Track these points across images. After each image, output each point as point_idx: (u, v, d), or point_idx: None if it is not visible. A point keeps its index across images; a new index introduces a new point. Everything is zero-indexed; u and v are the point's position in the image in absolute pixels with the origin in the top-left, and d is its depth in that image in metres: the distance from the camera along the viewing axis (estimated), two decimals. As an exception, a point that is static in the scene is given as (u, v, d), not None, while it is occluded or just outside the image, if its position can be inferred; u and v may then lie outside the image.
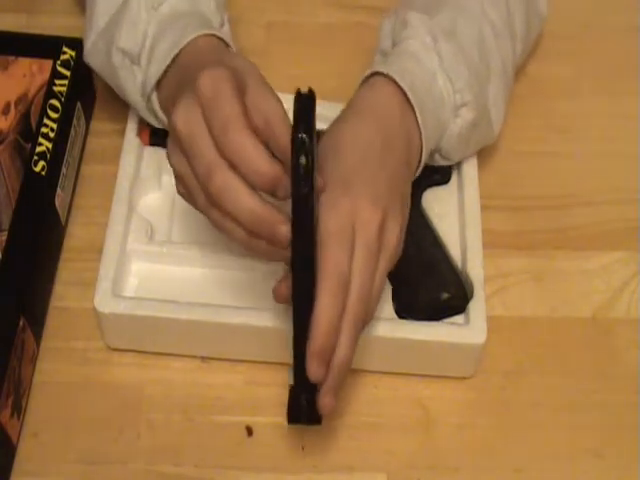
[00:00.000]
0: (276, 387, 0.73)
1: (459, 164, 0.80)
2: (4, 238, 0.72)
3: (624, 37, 0.95)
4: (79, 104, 0.83)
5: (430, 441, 0.72)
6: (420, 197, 0.78)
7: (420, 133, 0.72)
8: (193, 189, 0.64)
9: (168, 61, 0.71)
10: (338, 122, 0.71)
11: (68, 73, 0.82)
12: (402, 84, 0.71)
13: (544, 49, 0.92)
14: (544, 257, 0.81)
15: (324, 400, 0.63)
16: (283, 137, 0.61)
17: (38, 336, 0.75)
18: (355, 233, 0.64)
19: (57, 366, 0.74)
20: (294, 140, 0.59)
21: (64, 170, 0.79)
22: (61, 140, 0.79)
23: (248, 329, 0.71)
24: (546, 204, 0.84)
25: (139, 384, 0.74)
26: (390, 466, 0.71)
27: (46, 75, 0.81)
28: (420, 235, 0.74)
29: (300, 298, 0.62)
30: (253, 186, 0.61)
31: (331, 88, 0.81)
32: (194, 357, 0.75)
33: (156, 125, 0.78)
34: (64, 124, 0.80)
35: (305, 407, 0.64)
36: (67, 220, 0.81)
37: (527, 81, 0.90)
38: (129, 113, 0.81)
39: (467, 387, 0.75)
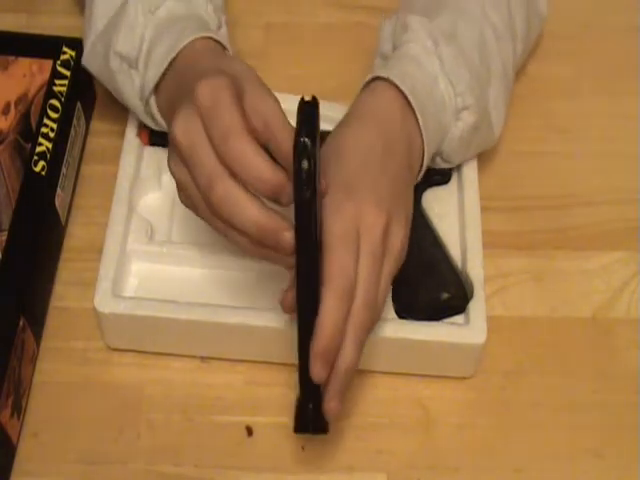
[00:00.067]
0: (276, 387, 0.73)
1: (459, 165, 0.80)
2: (4, 238, 0.72)
3: (624, 37, 0.95)
4: (79, 104, 0.83)
5: (430, 441, 0.72)
6: (420, 197, 0.78)
7: (422, 137, 0.72)
8: (195, 198, 0.64)
9: (165, 65, 0.71)
10: (340, 127, 0.71)
11: (68, 73, 0.82)
12: (403, 88, 0.71)
13: (544, 49, 0.92)
14: (544, 257, 0.81)
15: (330, 405, 0.63)
16: (283, 139, 0.61)
17: (38, 336, 0.75)
18: (360, 237, 0.64)
19: (57, 366, 0.74)
20: (296, 144, 0.59)
21: (64, 170, 0.79)
22: (61, 140, 0.79)
23: (248, 329, 0.71)
24: (546, 204, 0.84)
25: (139, 384, 0.74)
26: (390, 466, 0.71)
27: (46, 75, 0.81)
28: (420, 235, 0.74)
29: (305, 305, 0.62)
30: (256, 193, 0.61)
31: (331, 88, 0.81)
32: (194, 357, 0.75)
33: (155, 128, 0.78)
34: (64, 124, 0.80)
35: (311, 415, 0.63)
36: (67, 220, 0.81)
37: (527, 81, 0.90)
38: (129, 113, 0.81)
39: (467, 387, 0.75)
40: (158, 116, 0.75)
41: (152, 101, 0.74)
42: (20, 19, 0.92)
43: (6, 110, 0.79)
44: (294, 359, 0.64)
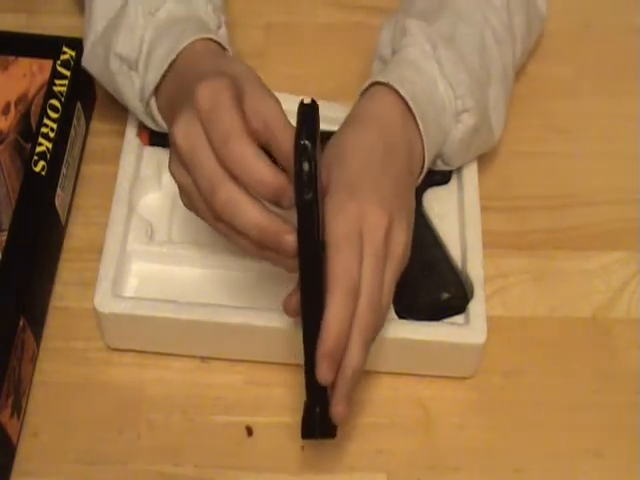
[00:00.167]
0: (276, 387, 0.73)
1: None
2: (4, 238, 0.72)
3: (624, 37, 0.95)
4: (79, 104, 0.83)
5: (430, 441, 0.72)
6: (420, 197, 0.78)
7: (422, 141, 0.72)
8: (196, 201, 0.64)
9: (165, 66, 0.71)
10: (341, 130, 0.71)
11: (68, 73, 0.82)
12: (403, 94, 0.71)
13: (544, 49, 0.92)
14: (544, 257, 0.81)
15: (337, 408, 0.63)
16: (284, 140, 0.61)
17: (38, 336, 0.75)
18: (363, 238, 0.64)
19: (57, 366, 0.74)
20: (297, 146, 0.59)
21: (64, 170, 0.79)
22: (61, 140, 0.79)
23: (248, 329, 0.71)
24: (546, 204, 0.84)
25: (139, 384, 0.74)
26: (390, 466, 0.71)
27: (46, 75, 0.81)
28: (420, 235, 0.74)
29: (309, 307, 0.62)
30: (257, 196, 0.61)
31: (331, 88, 0.81)
32: (194, 357, 0.75)
33: (155, 129, 0.78)
34: (64, 124, 0.80)
35: (319, 420, 0.63)
36: (67, 220, 0.81)
37: (527, 81, 0.90)
38: (129, 113, 0.81)
39: (467, 387, 0.75)
40: (158, 117, 0.75)
41: (152, 102, 0.74)
42: (20, 19, 0.92)
43: (6, 110, 0.79)
44: (296, 360, 0.64)
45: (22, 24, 0.92)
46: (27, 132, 0.78)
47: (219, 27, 0.77)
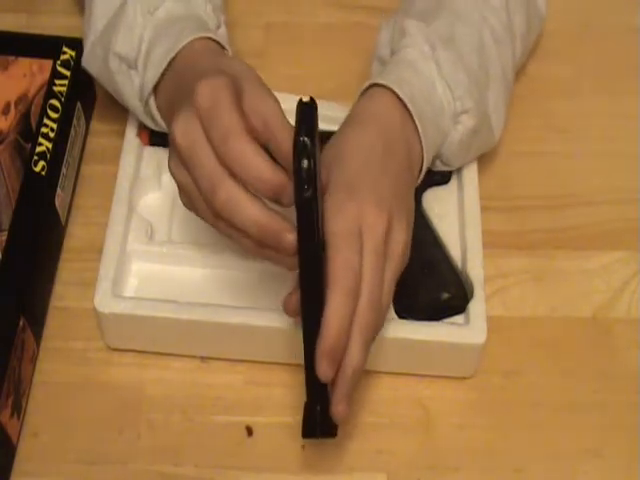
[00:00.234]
0: (276, 387, 0.73)
1: (459, 165, 0.81)
2: (4, 238, 0.72)
3: (623, 37, 0.95)
4: (79, 104, 0.83)
5: (430, 441, 0.72)
6: (420, 197, 0.78)
7: (420, 142, 0.72)
8: (197, 201, 0.64)
9: (164, 65, 0.71)
10: (341, 130, 0.71)
11: (68, 73, 0.82)
12: (401, 95, 0.71)
13: (544, 49, 0.92)
14: (544, 257, 0.81)
15: (337, 408, 0.63)
16: (283, 139, 0.61)
17: (38, 336, 0.75)
18: (362, 237, 0.64)
19: (57, 366, 0.74)
20: (296, 143, 0.59)
21: (64, 170, 0.79)
22: (61, 140, 0.79)
23: (248, 329, 0.71)
24: (546, 204, 0.84)
25: (139, 384, 0.74)
26: (390, 466, 0.71)
27: (46, 75, 0.81)
28: (420, 235, 0.74)
29: (309, 305, 0.62)
30: (257, 194, 0.61)
31: (330, 88, 0.81)
32: (194, 357, 0.75)
33: (154, 128, 0.78)
34: (64, 124, 0.80)
35: (319, 419, 0.63)
36: (67, 220, 0.81)
37: (526, 81, 0.90)
38: (129, 113, 0.81)
39: (467, 387, 0.75)
40: (158, 117, 0.75)
41: (151, 102, 0.74)
42: (20, 19, 0.92)
43: (6, 110, 0.79)
44: (296, 359, 0.64)
45: (22, 24, 0.92)
46: (27, 132, 0.78)
47: (218, 27, 0.77)
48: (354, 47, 0.90)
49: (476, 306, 0.73)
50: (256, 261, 0.75)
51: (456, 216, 0.79)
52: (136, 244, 0.76)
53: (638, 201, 0.84)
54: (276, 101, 0.63)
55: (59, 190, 0.78)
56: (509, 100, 0.81)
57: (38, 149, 0.77)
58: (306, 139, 0.59)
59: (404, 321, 0.73)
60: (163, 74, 0.72)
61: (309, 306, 0.62)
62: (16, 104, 0.79)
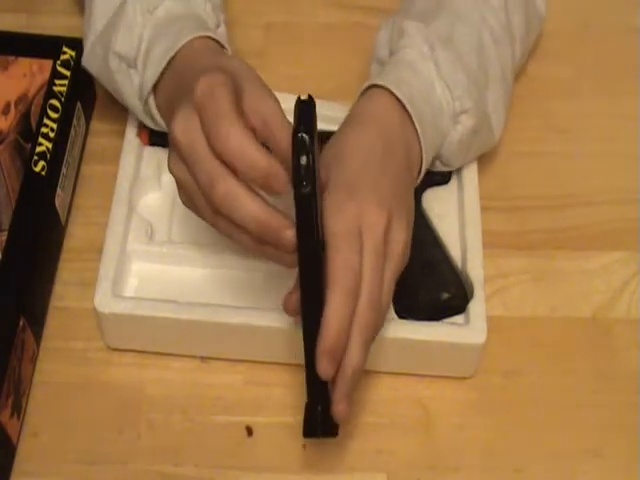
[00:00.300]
0: (276, 387, 0.73)
1: (459, 166, 0.81)
2: (4, 238, 0.72)
3: (623, 37, 0.95)
4: (79, 104, 0.83)
5: (430, 441, 0.72)
6: (420, 197, 0.78)
7: (420, 143, 0.72)
8: (196, 198, 0.64)
9: (164, 64, 0.71)
10: (339, 132, 0.71)
11: (68, 73, 0.82)
12: (400, 96, 0.71)
13: (543, 49, 0.92)
14: (544, 257, 0.81)
15: (338, 407, 0.63)
16: (282, 137, 0.61)
17: (38, 336, 0.75)
18: (362, 237, 0.64)
19: (57, 366, 0.74)
20: (294, 140, 0.59)
21: (64, 170, 0.79)
22: (61, 140, 0.79)
23: (248, 329, 0.71)
24: (546, 204, 0.84)
25: (139, 384, 0.74)
26: (390, 466, 0.71)
27: (46, 75, 0.81)
28: (420, 235, 0.74)
29: (309, 304, 0.62)
30: (250, 182, 0.61)
31: (330, 88, 0.81)
32: (194, 357, 0.75)
33: (154, 128, 0.78)
34: (64, 124, 0.80)
35: (320, 419, 0.63)
36: (67, 220, 0.81)
37: (526, 81, 0.90)
38: (129, 113, 0.81)
39: (467, 387, 0.75)
40: (157, 116, 0.75)
41: (151, 101, 0.74)
42: (20, 19, 0.92)
43: (6, 110, 0.79)
44: (296, 359, 0.64)
45: (22, 24, 0.92)
46: (27, 132, 0.78)
47: (218, 26, 0.77)
48: (354, 47, 0.90)
49: (476, 306, 0.73)
50: (256, 261, 0.75)
51: (456, 216, 0.79)
52: (136, 244, 0.76)
53: (638, 201, 0.84)
54: (276, 100, 0.63)
55: (59, 190, 0.78)
56: (509, 100, 0.81)
57: (38, 149, 0.77)
58: (305, 135, 0.59)
59: (404, 321, 0.73)
60: (162, 73, 0.72)
61: (309, 305, 0.62)
62: (16, 104, 0.79)
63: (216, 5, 0.78)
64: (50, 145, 0.78)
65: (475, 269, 0.75)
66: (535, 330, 0.77)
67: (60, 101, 0.80)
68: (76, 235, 0.81)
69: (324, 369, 0.61)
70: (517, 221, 0.83)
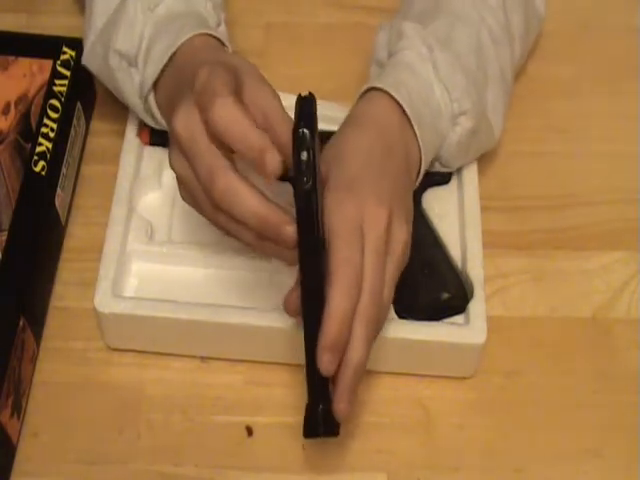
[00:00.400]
0: (276, 387, 0.73)
1: (459, 166, 0.81)
2: (4, 238, 0.72)
3: (623, 37, 0.95)
4: (79, 104, 0.83)
5: (430, 441, 0.72)
6: (420, 197, 0.78)
7: (418, 146, 0.72)
8: (196, 193, 0.64)
9: (165, 60, 0.71)
10: (339, 132, 0.71)
11: (68, 73, 0.82)
12: (399, 98, 0.71)
13: (543, 49, 0.92)
14: (544, 257, 0.81)
15: (340, 405, 0.62)
16: (282, 132, 0.61)
17: (38, 336, 0.75)
18: (363, 234, 0.64)
19: (57, 366, 0.74)
20: (295, 136, 0.59)
21: (64, 170, 0.79)
22: (61, 140, 0.79)
23: (248, 329, 0.71)
24: (546, 204, 0.84)
25: (139, 384, 0.74)
26: (390, 466, 0.71)
27: (46, 75, 0.81)
28: (420, 235, 0.74)
29: (310, 301, 0.62)
30: (246, 160, 0.61)
31: (330, 88, 0.81)
32: (194, 357, 0.75)
33: (154, 126, 0.78)
34: (64, 124, 0.80)
35: (322, 418, 0.63)
36: (67, 220, 0.81)
37: (526, 81, 0.90)
38: (129, 113, 0.81)
39: (467, 387, 0.75)
40: (157, 114, 0.75)
41: (151, 98, 0.74)
42: (20, 19, 0.92)
43: (6, 110, 0.79)
44: (296, 360, 0.64)
45: (22, 24, 0.92)
46: (27, 132, 0.78)
47: (219, 24, 0.77)
48: (354, 47, 0.90)
49: (476, 306, 0.73)
50: (256, 261, 0.75)
51: (456, 216, 0.79)
52: (136, 244, 0.76)
53: (638, 201, 0.84)
54: (276, 95, 0.63)
55: (59, 190, 0.78)
56: (508, 100, 0.81)
57: (38, 149, 0.77)
58: (306, 131, 0.59)
59: (404, 321, 0.73)
60: (163, 70, 0.72)
61: (310, 302, 0.62)
62: (16, 104, 0.79)
63: (217, 4, 0.78)
64: (50, 145, 0.78)
65: (475, 269, 0.75)
66: (535, 330, 0.77)
67: (60, 101, 0.80)
68: (76, 235, 0.81)
69: (325, 365, 0.61)
70: (517, 221, 0.83)
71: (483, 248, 0.76)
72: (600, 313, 0.78)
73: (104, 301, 0.72)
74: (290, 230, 0.61)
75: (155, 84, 0.73)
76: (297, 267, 0.63)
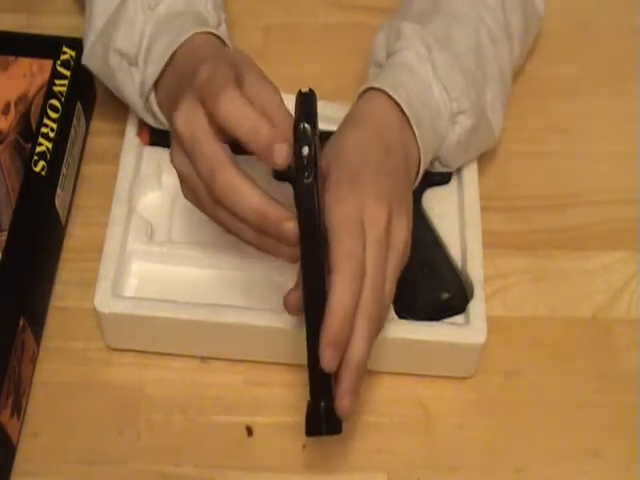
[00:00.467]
0: (276, 387, 0.73)
1: (459, 165, 0.81)
2: (4, 238, 0.72)
3: (622, 36, 0.95)
4: (79, 104, 0.83)
5: (430, 441, 0.72)
6: (420, 197, 0.78)
7: (417, 146, 0.72)
8: (198, 190, 0.64)
9: (166, 59, 0.71)
10: (339, 131, 0.71)
11: (68, 73, 0.82)
12: (398, 98, 0.71)
13: (543, 49, 0.92)
14: (544, 257, 0.81)
15: (342, 402, 0.62)
16: (283, 127, 0.61)
17: (38, 336, 0.75)
18: (364, 229, 0.64)
19: (57, 366, 0.74)
20: (296, 131, 0.59)
21: (64, 170, 0.79)
22: (61, 140, 0.79)
23: (248, 329, 0.71)
24: (546, 204, 0.84)
25: (139, 384, 0.74)
26: (390, 466, 0.71)
27: (46, 75, 0.81)
28: (420, 235, 0.74)
29: (311, 297, 0.62)
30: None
31: (330, 89, 0.81)
32: (194, 357, 0.75)
33: (155, 125, 0.78)
34: (64, 124, 0.80)
35: (324, 416, 0.62)
36: (67, 220, 0.81)
37: (526, 81, 0.90)
38: (129, 113, 0.81)
39: (467, 387, 0.75)
40: (158, 113, 0.75)
41: (152, 97, 0.74)
42: (20, 19, 0.92)
43: (6, 110, 0.79)
44: (296, 360, 0.64)
45: (22, 24, 0.92)
46: (27, 132, 0.78)
47: (219, 24, 0.77)
48: (354, 47, 0.90)
49: (476, 306, 0.73)
50: (256, 261, 0.75)
51: (456, 216, 0.79)
52: (136, 244, 0.76)
53: (638, 201, 0.84)
54: (276, 90, 0.63)
55: (59, 190, 0.78)
56: (508, 100, 0.81)
57: (38, 149, 0.77)
58: (306, 125, 0.59)
59: (404, 321, 0.73)
60: (164, 69, 0.72)
61: (311, 298, 0.62)
62: (16, 104, 0.79)
63: (217, 4, 0.78)
64: (50, 145, 0.78)
65: (475, 269, 0.75)
66: (535, 330, 0.77)
67: (60, 101, 0.80)
68: (76, 235, 0.81)
69: (328, 360, 0.61)
70: (517, 221, 0.83)
71: (483, 248, 0.76)
72: (600, 313, 0.78)
73: (104, 301, 0.72)
74: (291, 226, 0.61)
75: (156, 83, 0.73)
76: (297, 267, 0.64)
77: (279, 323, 0.70)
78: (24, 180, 0.75)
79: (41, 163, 0.76)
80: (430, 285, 0.75)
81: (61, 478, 0.70)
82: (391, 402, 0.74)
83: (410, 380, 0.74)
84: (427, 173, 0.75)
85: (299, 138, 0.59)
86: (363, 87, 0.74)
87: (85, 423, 0.72)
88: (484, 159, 0.83)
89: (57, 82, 0.81)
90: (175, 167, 0.65)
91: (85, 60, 0.78)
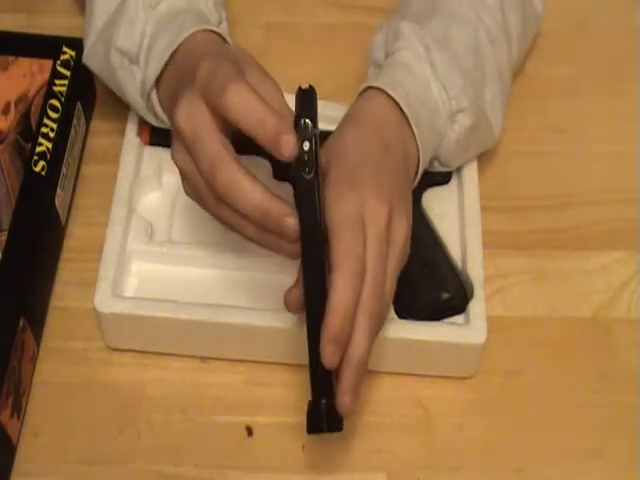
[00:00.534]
0: (276, 387, 0.73)
1: (458, 165, 0.81)
2: (4, 238, 0.72)
3: (622, 36, 0.95)
4: (79, 104, 0.83)
5: (430, 441, 0.72)
6: (420, 197, 0.78)
7: (417, 145, 0.72)
8: (199, 187, 0.64)
9: (167, 57, 0.71)
10: (338, 130, 0.71)
11: (68, 73, 0.82)
12: (397, 97, 0.71)
13: (542, 48, 0.92)
14: (544, 257, 0.81)
15: (343, 399, 0.62)
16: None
17: (38, 336, 0.75)
18: (365, 226, 0.64)
19: (57, 366, 0.74)
20: (297, 126, 0.59)
21: (64, 170, 0.79)
22: (61, 140, 0.79)
23: (248, 329, 0.71)
24: (546, 204, 0.84)
25: (139, 384, 0.74)
26: (390, 466, 0.71)
27: (46, 75, 0.81)
28: (420, 235, 0.74)
29: (312, 295, 0.62)
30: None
31: (330, 89, 0.81)
32: (194, 357, 0.75)
33: (156, 124, 0.78)
34: (64, 124, 0.80)
35: (325, 413, 0.62)
36: (67, 220, 0.81)
37: (525, 81, 0.90)
38: (129, 112, 0.81)
39: (467, 387, 0.75)
40: (160, 111, 0.75)
41: (153, 96, 0.74)
42: (20, 19, 0.92)
43: (6, 110, 0.79)
44: (297, 360, 0.64)
45: (22, 24, 0.92)
46: (27, 132, 0.78)
47: (220, 22, 0.77)
48: (354, 47, 0.90)
49: (476, 306, 0.73)
50: (256, 261, 0.75)
51: (456, 216, 0.79)
52: (136, 244, 0.76)
53: (638, 201, 0.84)
54: (277, 87, 0.63)
55: (59, 190, 0.78)
56: (507, 100, 0.81)
57: (38, 149, 0.77)
58: (307, 121, 0.59)
59: (404, 321, 0.73)
60: (165, 67, 0.71)
61: (312, 296, 0.62)
62: (16, 104, 0.79)
63: (218, 2, 0.78)
64: (50, 145, 0.78)
65: (475, 269, 0.75)
66: (535, 330, 0.77)
67: (60, 101, 0.80)
68: (76, 235, 0.81)
69: (329, 357, 0.61)
70: (517, 221, 0.83)
71: (483, 248, 0.76)
72: (600, 313, 0.78)
73: (104, 301, 0.72)
74: (292, 222, 0.61)
75: (157, 81, 0.73)
76: (297, 266, 0.64)
77: (279, 323, 0.70)
78: (24, 180, 0.75)
79: (41, 163, 0.76)
80: (430, 285, 0.75)
81: (61, 478, 0.70)
82: (391, 402, 0.74)
83: (410, 380, 0.74)
84: (427, 173, 0.75)
85: (300, 134, 0.59)
86: (362, 86, 0.74)
87: (85, 423, 0.72)
88: (483, 159, 0.83)
89: (57, 82, 0.81)
90: (176, 164, 0.65)
91: (86, 59, 0.78)
